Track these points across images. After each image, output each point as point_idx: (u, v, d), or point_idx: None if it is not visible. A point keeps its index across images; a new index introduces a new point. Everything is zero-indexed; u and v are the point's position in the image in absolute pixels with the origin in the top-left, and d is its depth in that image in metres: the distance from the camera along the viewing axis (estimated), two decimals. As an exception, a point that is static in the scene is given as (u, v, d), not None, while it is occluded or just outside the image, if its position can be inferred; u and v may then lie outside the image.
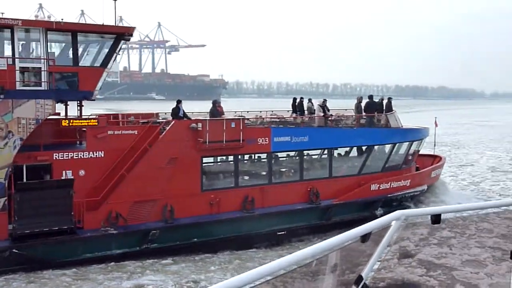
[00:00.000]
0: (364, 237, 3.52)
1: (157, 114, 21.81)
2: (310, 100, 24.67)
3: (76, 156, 17.54)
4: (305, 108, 24.01)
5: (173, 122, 19.01)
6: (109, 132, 18.23)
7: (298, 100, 24.82)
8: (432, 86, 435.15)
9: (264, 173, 20.95)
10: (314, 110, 24.44)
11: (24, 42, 17.39)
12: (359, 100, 24.18)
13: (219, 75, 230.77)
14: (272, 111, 24.96)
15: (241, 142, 19.70)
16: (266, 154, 20.92)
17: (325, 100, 23.33)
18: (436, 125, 29.54)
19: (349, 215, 21.70)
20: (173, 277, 16.18)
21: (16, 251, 16.00)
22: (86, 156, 17.72)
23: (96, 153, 17.86)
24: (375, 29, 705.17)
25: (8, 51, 17.32)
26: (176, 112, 19.48)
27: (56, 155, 17.21)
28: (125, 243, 17.69)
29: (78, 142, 19.00)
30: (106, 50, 18.26)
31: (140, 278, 16.05)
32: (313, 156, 22.90)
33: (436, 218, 4.11)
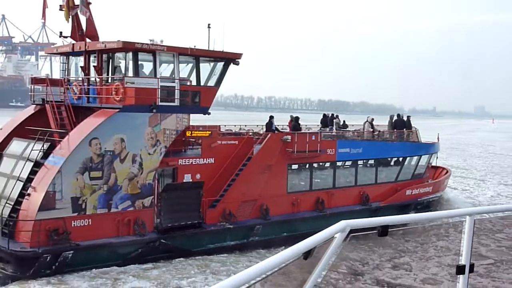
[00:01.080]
0: (307, 254, 3.17)
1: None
2: (337, 116, 28.76)
3: (194, 162, 20.57)
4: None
5: (269, 135, 22.43)
6: (218, 142, 21.42)
7: (329, 116, 28.93)
8: (354, 101, 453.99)
9: (330, 179, 24.68)
10: (341, 125, 28.62)
11: (165, 64, 20.25)
12: (392, 118, 28.50)
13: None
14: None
15: (318, 152, 23.43)
16: (330, 163, 24.69)
17: (372, 119, 27.42)
18: None
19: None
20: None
21: (164, 241, 18.87)
22: (201, 162, 20.78)
23: (208, 159, 20.95)
24: (307, 48, 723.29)
25: (142, 72, 20.16)
26: (269, 126, 22.94)
27: (181, 160, 20.18)
28: (236, 236, 20.88)
29: (183, 150, 21.91)
30: (218, 72, 21.46)
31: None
32: (363, 165, 26.88)
33: (383, 230, 3.87)
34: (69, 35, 20.51)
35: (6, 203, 17.61)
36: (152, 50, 19.45)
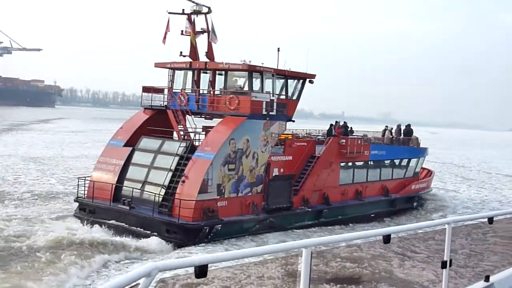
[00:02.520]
0: None
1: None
2: (346, 123, 35.26)
3: (280, 159, 26.26)
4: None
5: (330, 139, 28.51)
6: (296, 144, 27.26)
7: (342, 123, 35.33)
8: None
9: (364, 174, 31.06)
10: (348, 131, 35.12)
11: (269, 81, 25.72)
12: (399, 127, 35.41)
13: (53, 81, 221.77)
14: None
15: (361, 153, 29.81)
16: (364, 162, 31.07)
17: (392, 128, 34.12)
18: None
19: (403, 205, 32.72)
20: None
21: (271, 219, 24.48)
22: (284, 159, 26.50)
23: (288, 157, 26.71)
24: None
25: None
26: (330, 131, 29.06)
27: (273, 157, 25.79)
28: (311, 217, 26.76)
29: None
30: (299, 88, 27.27)
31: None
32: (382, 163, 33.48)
33: (387, 238, 3.87)
34: (188, 54, 25.52)
35: (162, 187, 22.54)
36: (261, 71, 24.97)
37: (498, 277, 6.26)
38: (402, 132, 35.26)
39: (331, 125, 34.86)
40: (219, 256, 3.62)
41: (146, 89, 26.79)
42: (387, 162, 32.99)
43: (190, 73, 26.30)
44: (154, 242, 20.86)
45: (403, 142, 35.17)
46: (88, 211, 23.81)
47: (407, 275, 9.07)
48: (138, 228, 22.05)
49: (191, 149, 23.34)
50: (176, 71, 26.76)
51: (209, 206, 22.03)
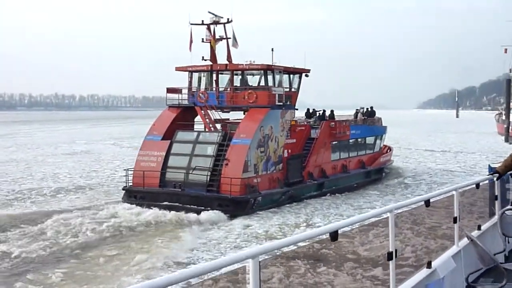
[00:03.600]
0: None
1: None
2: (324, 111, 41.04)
3: (288, 142, 31.42)
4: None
5: (323, 122, 34.01)
6: (298, 128, 32.54)
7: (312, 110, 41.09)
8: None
9: (346, 151, 36.82)
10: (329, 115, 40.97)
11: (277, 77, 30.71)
12: (366, 109, 41.56)
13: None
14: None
15: (345, 133, 35.57)
16: (347, 140, 36.82)
17: (363, 109, 40.13)
18: None
19: (376, 176, 38.90)
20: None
21: (292, 191, 29.66)
22: (291, 141, 31.70)
23: (293, 140, 31.93)
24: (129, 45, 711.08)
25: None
26: (323, 117, 34.60)
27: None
28: (316, 188, 32.15)
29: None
30: (297, 81, 32.53)
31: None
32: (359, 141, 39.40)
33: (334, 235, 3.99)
34: (209, 58, 30.11)
35: (208, 170, 27.11)
36: (273, 69, 30.04)
37: (439, 262, 6.24)
38: (368, 113, 41.48)
39: (308, 109, 40.36)
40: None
41: (170, 90, 31.08)
42: (361, 139, 39.00)
43: (208, 74, 30.87)
44: (213, 214, 25.39)
45: (372, 122, 41.37)
46: (139, 197, 27.87)
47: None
48: (192, 206, 26.46)
49: (226, 137, 28.04)
50: (194, 73, 31.25)
51: (250, 182, 26.92)
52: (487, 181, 8.44)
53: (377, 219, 5.33)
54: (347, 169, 35.95)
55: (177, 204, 26.66)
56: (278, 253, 4.66)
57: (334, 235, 4.05)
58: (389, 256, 5.07)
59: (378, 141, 41.24)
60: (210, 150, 27.92)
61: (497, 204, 8.52)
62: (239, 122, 30.07)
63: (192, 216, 25.06)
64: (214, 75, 30.84)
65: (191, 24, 30.11)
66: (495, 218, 8.31)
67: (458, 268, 6.64)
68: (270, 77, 30.31)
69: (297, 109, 32.43)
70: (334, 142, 34.99)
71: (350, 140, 37.22)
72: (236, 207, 26.21)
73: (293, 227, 23.68)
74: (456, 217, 6.74)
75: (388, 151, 44.01)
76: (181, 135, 29.19)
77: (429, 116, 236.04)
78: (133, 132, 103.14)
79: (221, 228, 23.84)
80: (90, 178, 38.23)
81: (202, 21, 30.08)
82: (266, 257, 3.74)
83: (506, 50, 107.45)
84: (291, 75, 32.35)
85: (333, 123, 34.64)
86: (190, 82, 31.33)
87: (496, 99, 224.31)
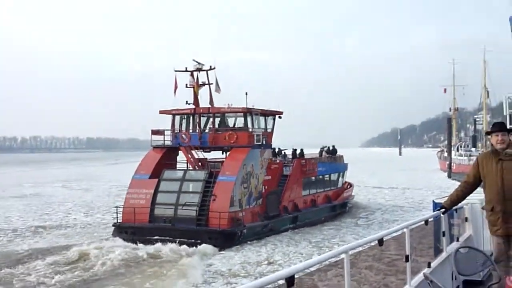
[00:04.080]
0: None
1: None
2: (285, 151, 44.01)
3: (265, 178, 33.92)
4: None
5: (295, 160, 36.81)
6: (273, 166, 35.17)
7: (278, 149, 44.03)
8: (123, 138, 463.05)
9: (314, 186, 39.65)
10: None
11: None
12: (324, 148, 44.73)
13: None
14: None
15: (313, 170, 38.46)
16: (315, 176, 39.70)
17: (328, 148, 43.23)
18: None
19: (340, 210, 41.83)
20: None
21: (271, 224, 32.01)
22: (267, 178, 34.16)
23: (269, 176, 34.45)
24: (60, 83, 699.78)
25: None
26: (295, 155, 37.40)
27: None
28: (290, 221, 34.57)
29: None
30: (271, 122, 35.35)
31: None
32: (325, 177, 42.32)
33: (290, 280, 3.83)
34: (192, 102, 32.59)
35: (196, 205, 29.23)
36: (251, 111, 32.78)
37: None
38: (331, 151, 44.71)
39: (274, 149, 43.07)
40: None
41: (154, 132, 33.27)
42: (326, 176, 42.00)
43: (190, 117, 33.31)
44: (206, 247, 27.41)
45: (334, 159, 44.54)
46: (129, 232, 29.62)
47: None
48: (183, 239, 28.41)
49: (211, 175, 30.36)
50: (176, 116, 33.63)
51: (236, 216, 29.21)
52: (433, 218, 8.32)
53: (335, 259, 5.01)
54: (316, 204, 38.70)
55: (168, 238, 28.56)
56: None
57: (290, 280, 3.78)
58: None
59: (340, 178, 44.35)
60: (197, 186, 30.09)
61: (444, 240, 8.47)
62: (221, 161, 32.50)
63: (189, 249, 26.96)
64: (197, 118, 33.25)
65: (176, 70, 32.63)
66: (444, 254, 8.34)
67: None
68: (249, 119, 32.99)
69: (273, 149, 35.11)
70: (304, 178, 37.77)
71: (319, 176, 40.13)
72: (225, 240, 28.35)
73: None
74: (408, 256, 6.61)
75: (349, 186, 47.16)
76: (168, 173, 31.29)
77: (373, 154, 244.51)
78: (80, 173, 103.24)
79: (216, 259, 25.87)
80: (44, 221, 38.81)
81: (186, 68, 32.65)
82: None
83: (445, 90, 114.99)
84: (266, 117, 35.13)
85: (303, 160, 37.49)
86: (173, 124, 33.62)
87: (436, 137, 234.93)
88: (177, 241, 27.98)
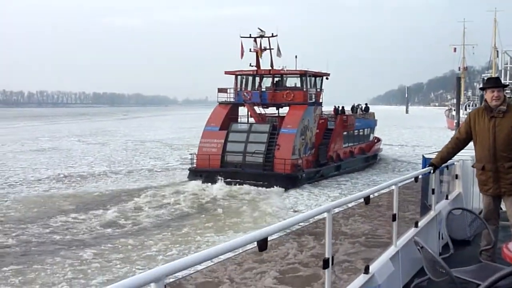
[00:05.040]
0: None
1: None
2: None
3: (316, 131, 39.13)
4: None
5: (338, 116, 41.94)
6: (320, 121, 40.31)
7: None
8: (129, 93, 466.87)
9: (352, 139, 44.86)
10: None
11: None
12: (357, 106, 49.83)
13: None
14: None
15: (352, 125, 43.66)
16: (352, 130, 44.85)
17: (361, 106, 48.29)
18: None
19: (372, 161, 47.16)
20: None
21: (322, 171, 37.41)
22: (316, 131, 39.41)
23: (317, 130, 39.65)
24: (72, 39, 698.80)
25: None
26: (337, 111, 42.57)
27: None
28: (335, 169, 39.91)
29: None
30: (320, 82, 40.33)
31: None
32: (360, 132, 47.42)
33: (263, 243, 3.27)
34: (255, 64, 37.48)
35: (263, 153, 34.49)
36: (305, 73, 37.74)
37: (376, 266, 5.57)
38: (363, 109, 49.86)
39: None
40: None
41: (220, 90, 38.31)
42: (361, 130, 47.21)
43: (250, 78, 38.27)
44: (275, 188, 32.78)
45: (368, 116, 49.78)
46: (204, 175, 34.94)
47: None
48: (251, 181, 33.70)
49: (274, 127, 35.57)
50: (238, 76, 38.61)
51: (296, 162, 34.55)
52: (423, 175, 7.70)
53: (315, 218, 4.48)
54: (354, 154, 44.03)
55: (238, 180, 33.85)
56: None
57: (262, 244, 3.23)
58: (325, 263, 4.27)
59: (371, 133, 49.60)
60: (263, 137, 35.27)
61: (433, 198, 8.18)
62: (277, 116, 37.79)
63: (262, 189, 32.38)
64: (258, 78, 38.22)
65: (241, 37, 37.41)
66: (432, 213, 8.07)
67: (395, 272, 6.01)
68: (304, 80, 37.99)
69: (322, 106, 40.23)
70: (344, 132, 42.98)
71: (355, 131, 45.35)
72: (290, 182, 33.70)
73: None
74: (395, 214, 6.19)
75: (378, 141, 52.46)
76: (235, 126, 36.45)
77: (380, 111, 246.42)
78: (93, 128, 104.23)
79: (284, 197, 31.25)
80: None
81: (250, 34, 37.42)
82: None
83: (455, 49, 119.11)
84: (316, 78, 40.09)
85: (345, 117, 42.64)
86: (236, 84, 38.62)
87: (443, 95, 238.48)
88: (247, 183, 33.31)
